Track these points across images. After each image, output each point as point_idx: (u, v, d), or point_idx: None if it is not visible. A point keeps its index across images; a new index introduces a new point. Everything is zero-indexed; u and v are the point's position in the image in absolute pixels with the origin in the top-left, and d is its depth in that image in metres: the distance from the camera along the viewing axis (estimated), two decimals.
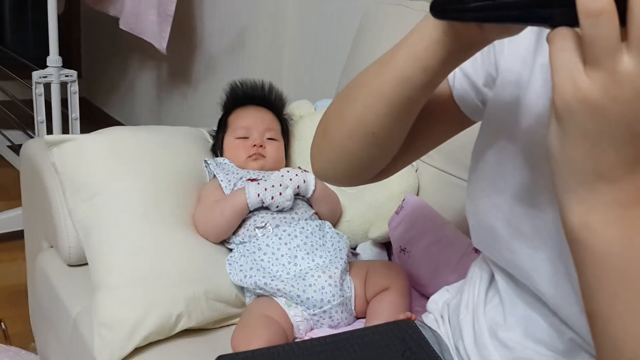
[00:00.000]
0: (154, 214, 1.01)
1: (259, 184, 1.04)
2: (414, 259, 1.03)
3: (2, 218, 1.88)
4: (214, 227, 1.03)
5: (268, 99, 1.25)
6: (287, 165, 1.25)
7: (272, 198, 1.02)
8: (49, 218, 1.11)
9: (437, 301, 0.80)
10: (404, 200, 1.04)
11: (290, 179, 1.06)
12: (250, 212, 1.05)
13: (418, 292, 1.06)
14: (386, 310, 0.92)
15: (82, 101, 3.34)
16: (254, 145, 1.16)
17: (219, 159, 1.16)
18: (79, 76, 3.24)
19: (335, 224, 1.15)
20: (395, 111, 0.58)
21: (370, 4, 1.35)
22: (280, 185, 1.04)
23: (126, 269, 0.94)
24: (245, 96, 1.25)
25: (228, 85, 1.26)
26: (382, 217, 1.11)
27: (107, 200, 1.00)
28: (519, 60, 0.59)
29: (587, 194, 0.40)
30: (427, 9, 0.48)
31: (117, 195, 1.01)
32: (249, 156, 1.16)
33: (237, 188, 1.08)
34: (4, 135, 2.28)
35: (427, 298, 1.04)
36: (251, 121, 1.20)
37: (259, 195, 1.02)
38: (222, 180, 1.09)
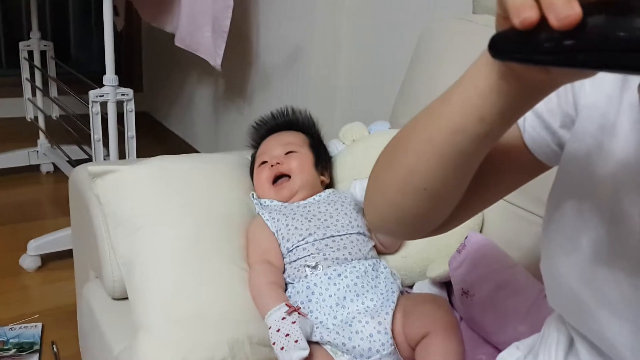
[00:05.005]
0: (197, 249, 0.96)
1: (295, 318, 0.85)
2: (478, 304, 0.93)
3: (60, 236, 1.89)
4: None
5: (288, 122, 1.21)
6: (330, 185, 1.17)
7: (274, 344, 0.83)
8: (95, 249, 1.08)
9: None
10: (466, 237, 0.95)
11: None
12: (297, 247, 0.98)
13: (482, 338, 0.96)
14: None
15: (144, 115, 3.42)
16: (272, 166, 1.10)
17: (262, 200, 1.11)
18: (140, 90, 3.32)
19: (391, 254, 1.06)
20: (449, 165, 0.50)
21: (430, 19, 1.26)
22: (297, 342, 0.81)
23: (166, 309, 0.89)
24: (268, 132, 1.20)
25: (248, 130, 1.23)
26: (442, 254, 1.01)
27: (149, 236, 0.95)
28: (602, 97, 0.50)
29: None
30: (494, 23, 0.40)
31: (159, 230, 0.96)
32: (272, 183, 1.10)
33: (282, 228, 1.01)
34: (62, 151, 2.32)
35: (492, 345, 0.95)
36: (268, 145, 1.16)
37: (269, 328, 0.85)
38: (267, 220, 1.03)
